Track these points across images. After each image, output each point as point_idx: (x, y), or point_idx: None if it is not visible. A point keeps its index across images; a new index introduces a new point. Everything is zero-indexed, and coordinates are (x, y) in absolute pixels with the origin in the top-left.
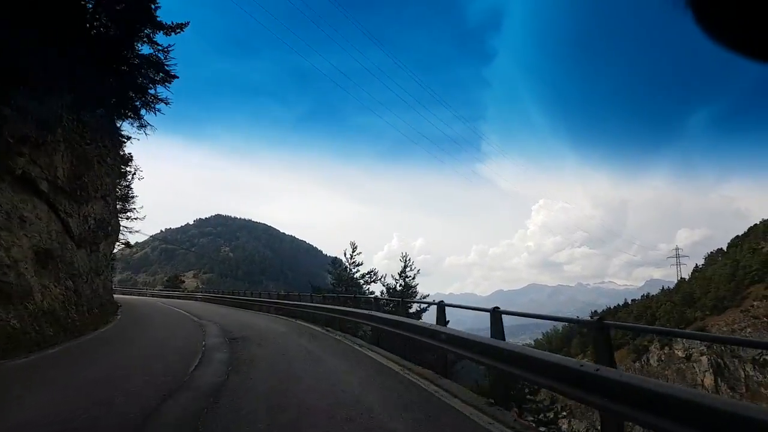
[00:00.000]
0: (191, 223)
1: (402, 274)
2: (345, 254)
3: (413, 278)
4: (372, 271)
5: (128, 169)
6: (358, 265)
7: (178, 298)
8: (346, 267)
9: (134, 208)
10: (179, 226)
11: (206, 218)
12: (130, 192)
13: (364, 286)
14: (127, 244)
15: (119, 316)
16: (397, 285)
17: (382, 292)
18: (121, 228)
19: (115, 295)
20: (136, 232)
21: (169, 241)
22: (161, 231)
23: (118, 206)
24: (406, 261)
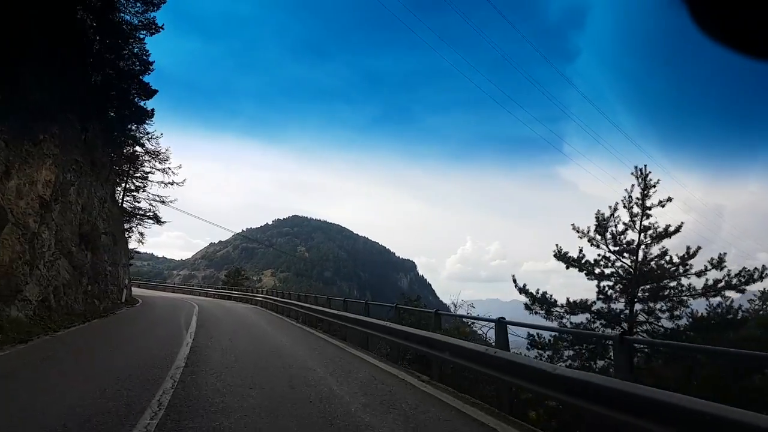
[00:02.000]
0: (270, 223)
1: None
2: (626, 199)
3: None
4: None
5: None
6: (670, 233)
7: (233, 299)
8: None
9: (169, 168)
10: (259, 225)
11: (284, 219)
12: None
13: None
14: (156, 220)
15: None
16: None
17: None
18: (150, 196)
19: (167, 294)
20: (171, 202)
21: (249, 239)
22: (242, 230)
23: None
24: None
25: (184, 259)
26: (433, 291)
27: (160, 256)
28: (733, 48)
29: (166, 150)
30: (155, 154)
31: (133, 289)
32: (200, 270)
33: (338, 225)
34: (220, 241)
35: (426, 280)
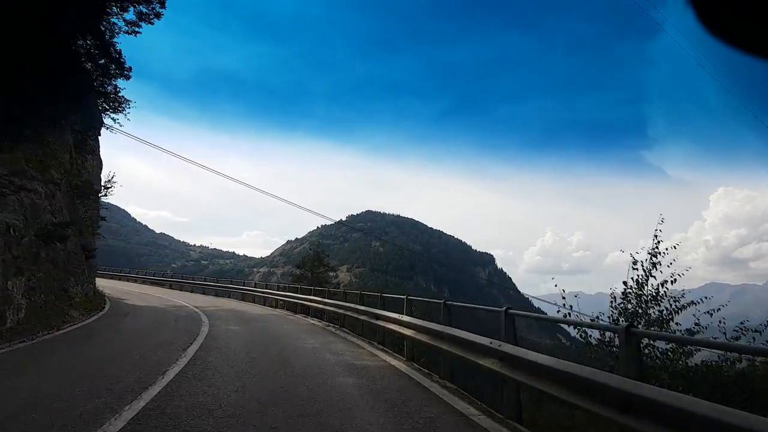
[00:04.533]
0: (344, 219)
1: None
2: None
3: None
4: None
5: None
6: None
7: (311, 313)
8: None
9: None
10: (333, 222)
11: (357, 214)
12: None
13: None
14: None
15: None
16: None
17: None
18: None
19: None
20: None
21: (324, 235)
22: (317, 227)
23: None
24: None
25: (263, 256)
26: (514, 285)
27: (241, 254)
28: (735, 46)
29: None
30: None
31: (189, 293)
32: (279, 267)
33: (412, 219)
34: (296, 238)
35: (506, 273)
